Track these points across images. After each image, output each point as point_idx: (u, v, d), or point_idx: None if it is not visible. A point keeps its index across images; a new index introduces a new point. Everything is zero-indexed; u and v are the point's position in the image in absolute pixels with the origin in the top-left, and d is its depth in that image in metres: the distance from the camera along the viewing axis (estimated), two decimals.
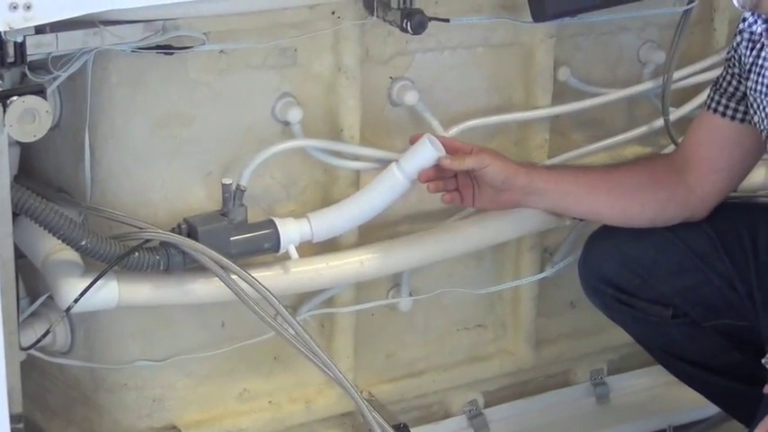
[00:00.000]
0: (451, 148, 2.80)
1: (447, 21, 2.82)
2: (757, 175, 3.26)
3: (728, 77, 2.86)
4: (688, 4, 3.10)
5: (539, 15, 2.86)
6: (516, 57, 3.04)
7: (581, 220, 3.06)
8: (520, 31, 2.99)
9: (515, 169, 2.85)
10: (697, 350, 2.97)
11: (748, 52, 2.80)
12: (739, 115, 2.86)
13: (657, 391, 3.18)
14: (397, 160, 2.83)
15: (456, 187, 2.86)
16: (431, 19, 2.73)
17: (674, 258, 2.92)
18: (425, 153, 2.81)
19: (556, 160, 3.13)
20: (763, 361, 2.81)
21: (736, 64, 2.84)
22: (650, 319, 2.96)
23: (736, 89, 2.85)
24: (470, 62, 3.00)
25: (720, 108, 2.87)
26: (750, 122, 2.84)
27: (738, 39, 2.83)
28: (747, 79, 2.80)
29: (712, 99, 2.90)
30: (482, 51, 3.01)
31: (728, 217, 2.99)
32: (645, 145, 3.24)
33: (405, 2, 2.72)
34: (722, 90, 2.88)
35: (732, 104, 2.86)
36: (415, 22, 2.71)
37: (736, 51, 2.85)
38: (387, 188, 2.85)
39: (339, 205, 2.88)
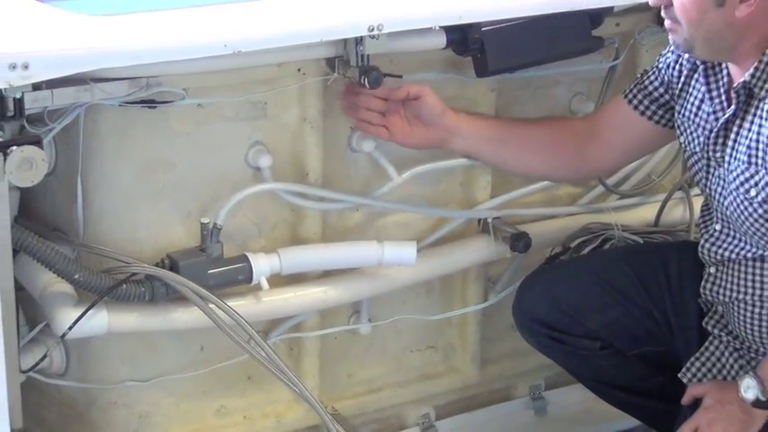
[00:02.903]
0: (387, 89, 2.81)
1: (400, 77, 2.82)
2: (676, 212, 3.27)
3: (655, 82, 2.85)
4: (613, 60, 3.11)
5: (481, 72, 2.88)
6: (462, 108, 3.01)
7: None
8: (465, 85, 2.99)
9: (447, 108, 2.85)
10: (624, 377, 2.96)
11: (676, 79, 2.81)
12: (656, 117, 2.87)
13: (589, 404, 3.18)
14: (383, 243, 2.87)
15: (382, 123, 2.84)
16: (386, 75, 2.74)
17: (598, 297, 2.93)
18: (408, 256, 2.87)
19: (498, 200, 3.13)
20: (679, 375, 2.83)
21: (663, 79, 2.84)
22: (580, 353, 2.96)
23: (661, 95, 2.85)
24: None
25: (640, 106, 2.87)
26: (662, 125, 2.85)
27: (669, 58, 2.82)
28: (676, 103, 2.81)
29: (633, 93, 2.89)
30: None
31: (644, 255, 3.02)
32: (575, 186, 3.25)
33: (362, 60, 2.72)
34: (645, 89, 2.87)
35: (652, 107, 2.86)
36: (371, 78, 2.72)
37: (665, 61, 2.83)
38: (358, 255, 2.89)
39: (309, 247, 2.90)
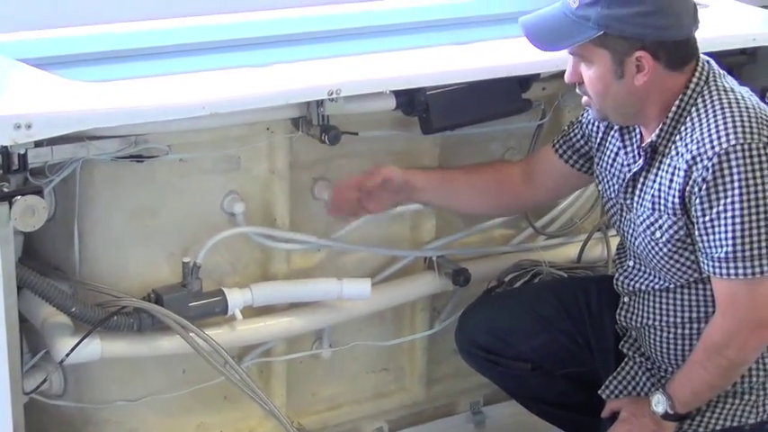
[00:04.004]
0: (360, 179, 2.84)
1: (356, 134, 2.83)
2: (595, 250, 3.28)
3: (578, 135, 2.86)
4: (540, 119, 3.12)
5: (426, 130, 2.89)
6: (410, 161, 3.03)
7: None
8: (412, 141, 3.00)
9: (409, 174, 2.87)
10: (552, 394, 2.96)
11: (595, 132, 2.81)
12: (577, 165, 2.87)
13: (522, 418, 3.16)
14: (342, 280, 2.88)
15: (358, 207, 2.87)
16: (343, 133, 2.74)
17: (528, 324, 2.92)
18: (363, 291, 2.90)
19: (441, 241, 3.13)
20: (599, 392, 2.84)
21: (585, 133, 2.84)
22: (513, 373, 2.95)
23: (582, 147, 2.86)
24: (374, 165, 2.98)
25: (564, 155, 2.88)
26: (582, 171, 2.87)
27: (589, 114, 2.81)
28: (595, 155, 2.82)
29: (559, 143, 2.89)
30: (383, 157, 3.00)
31: (568, 287, 3.02)
32: (508, 228, 3.24)
33: (323, 120, 2.72)
34: (569, 140, 2.87)
35: (575, 156, 2.87)
36: (331, 135, 2.72)
37: (585, 117, 2.84)
38: (320, 290, 2.90)
39: (277, 282, 2.89)
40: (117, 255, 2.73)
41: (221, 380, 2.79)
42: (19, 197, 2.41)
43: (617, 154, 2.75)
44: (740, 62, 3.27)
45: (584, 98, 2.63)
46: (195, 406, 2.95)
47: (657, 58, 2.52)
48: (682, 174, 2.54)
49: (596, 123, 2.80)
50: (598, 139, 2.81)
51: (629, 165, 2.71)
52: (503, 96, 2.95)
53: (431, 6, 3.45)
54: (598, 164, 2.81)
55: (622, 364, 2.84)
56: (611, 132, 2.77)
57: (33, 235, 2.58)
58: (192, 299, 2.71)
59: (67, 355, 2.60)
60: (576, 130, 2.86)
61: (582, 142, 2.85)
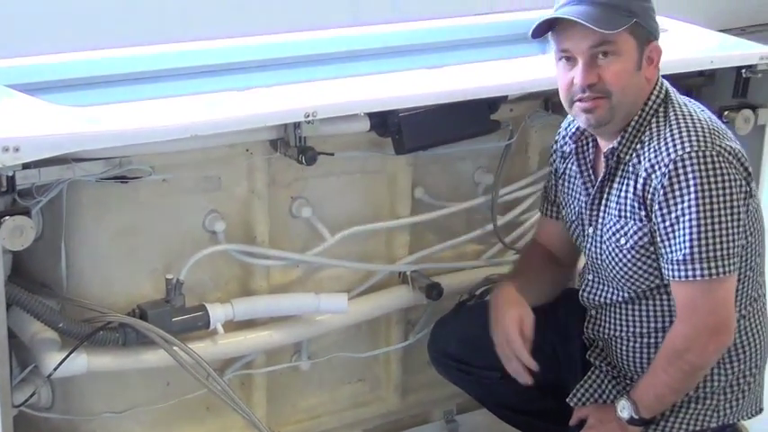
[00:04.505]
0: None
1: (332, 155, 2.83)
2: None
3: (553, 189, 2.88)
4: (508, 140, 3.12)
5: (400, 150, 2.89)
6: (384, 180, 3.05)
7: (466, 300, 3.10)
8: (386, 161, 3.00)
9: (525, 313, 2.77)
10: (521, 402, 2.94)
11: (560, 165, 2.84)
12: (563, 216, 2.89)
13: (493, 426, 3.15)
14: (320, 294, 2.88)
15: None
16: (320, 153, 2.74)
17: None
18: (340, 305, 2.90)
19: (415, 256, 3.12)
20: (567, 399, 2.84)
21: (555, 175, 2.87)
22: (484, 382, 2.95)
23: (557, 197, 2.88)
24: (350, 185, 3.01)
25: (553, 214, 2.91)
26: None
27: (553, 157, 2.86)
28: (559, 188, 2.84)
29: (545, 207, 2.93)
30: (359, 176, 3.01)
31: None
32: (479, 244, 3.24)
33: (300, 141, 2.72)
34: (550, 199, 2.90)
35: (559, 210, 2.88)
36: (308, 156, 2.72)
37: (552, 165, 2.88)
38: (298, 305, 2.90)
39: (257, 297, 2.89)
40: (102, 272, 2.73)
41: (204, 392, 2.78)
42: (7, 217, 2.41)
43: (575, 179, 2.78)
44: (699, 83, 3.29)
45: (589, 103, 2.58)
46: (179, 417, 2.94)
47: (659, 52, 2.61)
48: (642, 181, 2.58)
49: (558, 158, 2.83)
50: (560, 172, 2.84)
51: (585, 184, 2.74)
52: (472, 118, 2.96)
53: (402, 32, 3.47)
54: (560, 191, 2.84)
55: (589, 373, 2.85)
56: (569, 163, 2.79)
57: (22, 254, 2.57)
58: (176, 314, 2.70)
59: (55, 369, 2.59)
60: (551, 185, 2.89)
61: (558, 191, 2.88)
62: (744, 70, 3.23)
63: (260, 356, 3.00)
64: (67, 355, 2.59)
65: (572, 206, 2.80)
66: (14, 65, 2.96)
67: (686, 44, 3.39)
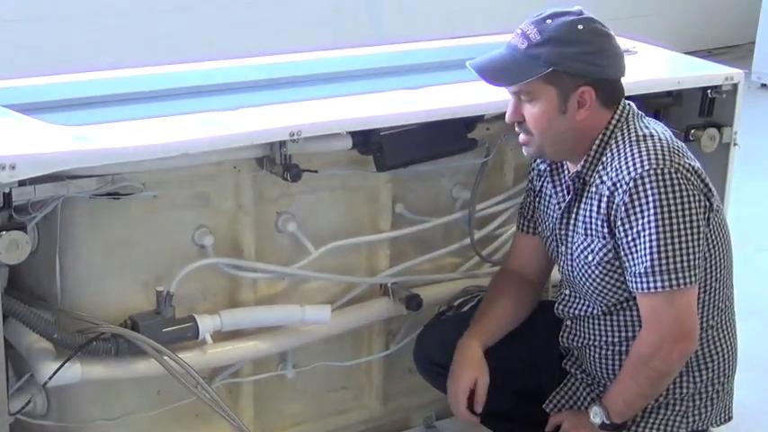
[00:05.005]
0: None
1: (316, 172, 2.84)
2: None
3: (530, 206, 2.88)
4: (485, 157, 3.13)
5: (381, 167, 2.90)
6: (365, 196, 3.05)
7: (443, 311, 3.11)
8: (368, 178, 3.00)
9: (483, 376, 2.81)
10: (500, 407, 2.93)
11: (537, 183, 2.85)
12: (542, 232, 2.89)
13: (472, 430, 3.17)
14: (304, 307, 2.88)
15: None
16: (304, 170, 2.75)
17: None
18: (323, 316, 2.89)
19: (395, 269, 3.12)
20: (543, 406, 2.85)
21: (532, 193, 2.88)
22: None
23: (535, 213, 2.88)
24: (333, 200, 3.01)
25: (529, 229, 2.90)
26: None
27: (531, 174, 2.87)
28: (537, 206, 2.85)
29: (521, 223, 2.92)
30: (341, 193, 3.02)
31: None
32: (457, 257, 3.24)
33: (285, 159, 2.73)
34: (528, 215, 2.90)
35: (535, 226, 2.88)
36: (293, 173, 2.73)
37: (531, 183, 2.88)
38: (284, 316, 2.90)
39: (244, 309, 2.88)
40: (96, 285, 2.72)
41: (193, 399, 2.78)
42: (4, 232, 2.41)
43: (551, 196, 2.79)
44: (667, 103, 3.31)
45: (522, 137, 2.66)
46: (169, 424, 2.93)
47: (597, 94, 2.58)
48: (605, 200, 2.59)
49: (536, 179, 2.84)
50: (537, 190, 2.84)
51: (559, 202, 2.75)
52: (450, 136, 2.97)
53: (383, 54, 3.48)
54: (537, 209, 2.85)
55: (565, 381, 2.86)
56: (545, 181, 2.80)
57: (18, 267, 2.57)
58: (166, 325, 2.70)
59: (50, 378, 2.59)
60: (528, 202, 2.89)
61: (535, 208, 2.88)
62: (709, 91, 3.25)
63: (247, 365, 3.00)
64: (62, 365, 2.59)
65: (547, 223, 2.81)
66: (11, 86, 2.97)
67: (655, 66, 3.41)
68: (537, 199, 2.85)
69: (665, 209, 2.52)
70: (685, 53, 3.60)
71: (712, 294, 2.68)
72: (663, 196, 2.52)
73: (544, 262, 2.92)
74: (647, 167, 2.53)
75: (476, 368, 2.81)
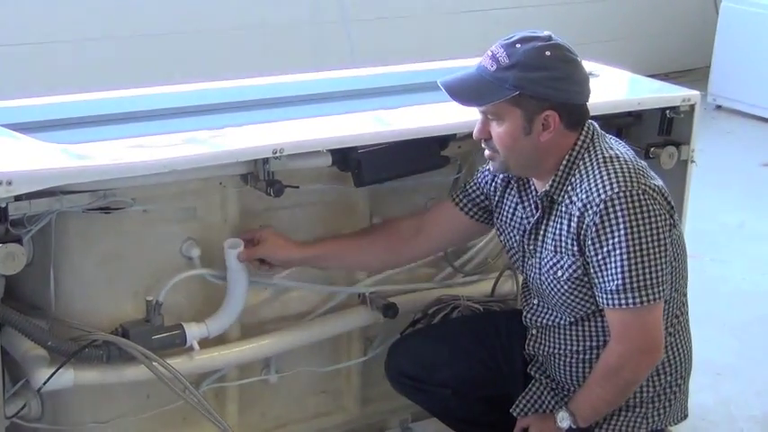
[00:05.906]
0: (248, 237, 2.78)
1: (297, 187, 2.82)
2: (506, 285, 3.27)
3: (477, 191, 2.84)
4: (457, 173, 3.13)
5: (359, 183, 2.89)
6: (344, 210, 3.04)
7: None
8: (346, 193, 2.99)
9: (290, 249, 2.80)
10: (471, 414, 2.94)
11: (493, 193, 2.81)
12: (476, 216, 2.86)
13: None
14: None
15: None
16: (286, 186, 2.74)
17: (446, 354, 2.90)
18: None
19: (373, 279, 3.10)
20: (510, 410, 2.84)
21: (483, 191, 2.83)
22: (436, 398, 2.93)
23: (481, 201, 2.84)
24: (314, 214, 3.00)
25: (465, 208, 2.85)
26: (478, 221, 2.84)
27: (488, 177, 2.82)
28: (495, 210, 2.82)
29: (459, 198, 2.86)
30: (321, 207, 3.01)
31: (481, 320, 3.03)
32: (431, 267, 3.22)
33: (268, 175, 2.72)
34: (469, 195, 2.85)
35: (474, 209, 2.85)
36: (275, 188, 2.72)
37: (483, 184, 2.83)
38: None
39: (229, 317, 2.85)
40: (88, 294, 2.71)
41: (181, 403, 2.77)
42: (1, 245, 2.41)
43: (515, 209, 2.77)
44: (628, 123, 3.32)
45: (488, 152, 2.64)
46: (158, 427, 2.91)
47: (561, 117, 2.56)
48: (575, 220, 2.58)
49: (493, 184, 2.81)
50: (497, 197, 2.82)
51: (527, 216, 2.73)
52: (424, 154, 2.96)
53: (360, 77, 3.49)
54: (498, 218, 2.83)
55: (530, 386, 2.85)
56: (509, 190, 2.78)
57: (14, 278, 2.56)
58: (155, 332, 2.69)
59: (45, 383, 2.58)
60: (475, 187, 2.86)
61: (482, 197, 2.85)
62: (668, 111, 3.26)
63: (232, 370, 2.99)
64: (56, 371, 2.58)
65: (512, 235, 2.79)
66: (7, 106, 2.95)
67: (616, 88, 3.42)
68: (500, 204, 2.81)
69: (635, 229, 2.51)
70: (645, 75, 3.60)
71: (671, 304, 2.68)
72: (632, 217, 2.51)
73: (444, 240, 2.91)
74: (616, 190, 2.52)
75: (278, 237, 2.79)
